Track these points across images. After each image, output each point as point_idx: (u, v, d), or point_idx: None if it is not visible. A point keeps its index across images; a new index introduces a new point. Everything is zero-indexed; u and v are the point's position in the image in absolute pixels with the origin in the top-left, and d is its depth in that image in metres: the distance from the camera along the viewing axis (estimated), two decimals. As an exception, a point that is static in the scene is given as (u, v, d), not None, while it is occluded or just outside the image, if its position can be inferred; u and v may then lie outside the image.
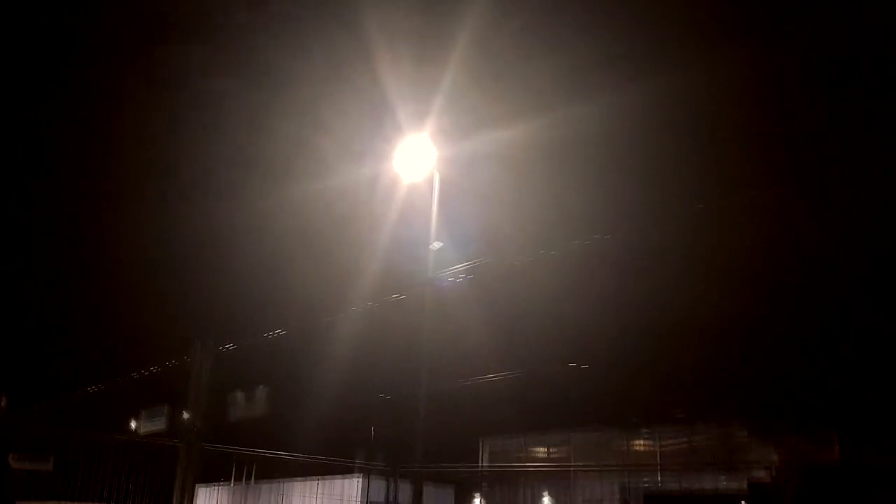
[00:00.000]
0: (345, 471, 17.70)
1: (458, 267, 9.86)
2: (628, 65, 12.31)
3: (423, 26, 11.96)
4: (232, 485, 20.27)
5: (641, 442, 19.01)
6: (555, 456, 19.53)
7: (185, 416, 5.89)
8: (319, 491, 18.32)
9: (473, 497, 19.77)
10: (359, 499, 17.33)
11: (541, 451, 19.95)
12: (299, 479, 19.16)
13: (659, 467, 17.96)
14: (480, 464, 19.79)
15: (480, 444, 20.27)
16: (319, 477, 18.58)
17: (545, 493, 18.21)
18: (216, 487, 21.37)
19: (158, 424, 6.94)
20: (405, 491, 11.41)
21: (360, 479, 17.79)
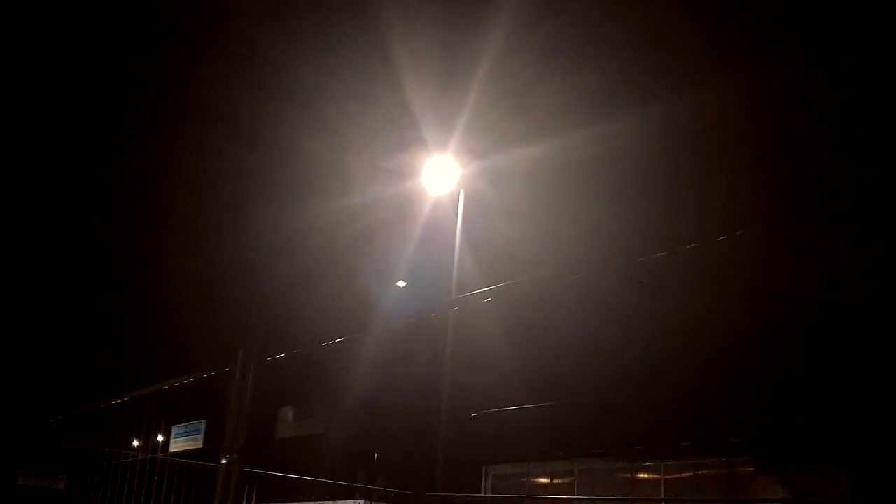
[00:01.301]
0: (365, 495, 17.36)
1: (481, 290, 9.87)
2: (654, 83, 12.46)
3: (447, 48, 12.18)
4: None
5: (646, 475, 18.84)
6: (558, 484, 19.32)
7: (225, 432, 5.45)
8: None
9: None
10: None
11: (544, 480, 19.73)
12: (302, 502, 18.82)
13: (663, 500, 17.78)
14: (484, 492, 19.54)
15: (483, 472, 20.05)
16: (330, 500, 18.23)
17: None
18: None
19: (193, 442, 6.51)
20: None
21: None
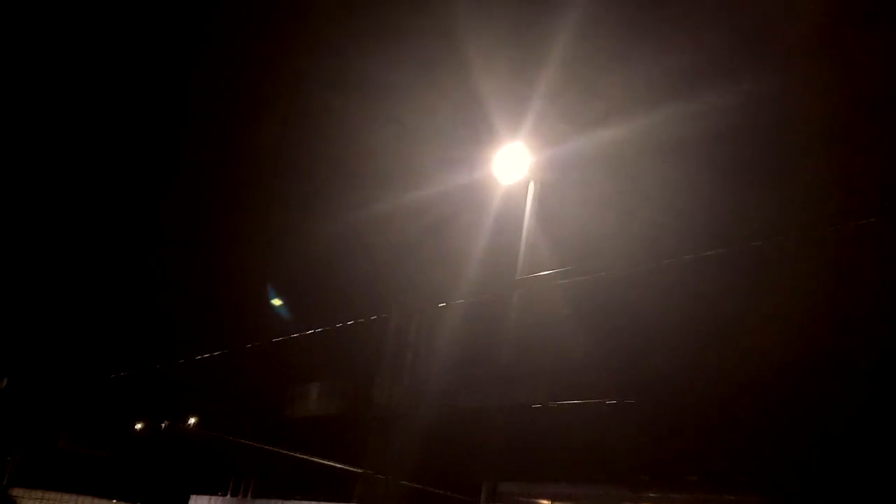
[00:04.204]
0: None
1: (551, 272, 9.50)
2: (748, 58, 11.70)
3: (517, 30, 11.86)
4: (228, 496, 18.99)
5: (649, 505, 18.44)
6: (559, 509, 18.80)
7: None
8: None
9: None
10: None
11: (545, 502, 19.20)
12: (298, 499, 18.01)
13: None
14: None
15: (483, 489, 19.42)
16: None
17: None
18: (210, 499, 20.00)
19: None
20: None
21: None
